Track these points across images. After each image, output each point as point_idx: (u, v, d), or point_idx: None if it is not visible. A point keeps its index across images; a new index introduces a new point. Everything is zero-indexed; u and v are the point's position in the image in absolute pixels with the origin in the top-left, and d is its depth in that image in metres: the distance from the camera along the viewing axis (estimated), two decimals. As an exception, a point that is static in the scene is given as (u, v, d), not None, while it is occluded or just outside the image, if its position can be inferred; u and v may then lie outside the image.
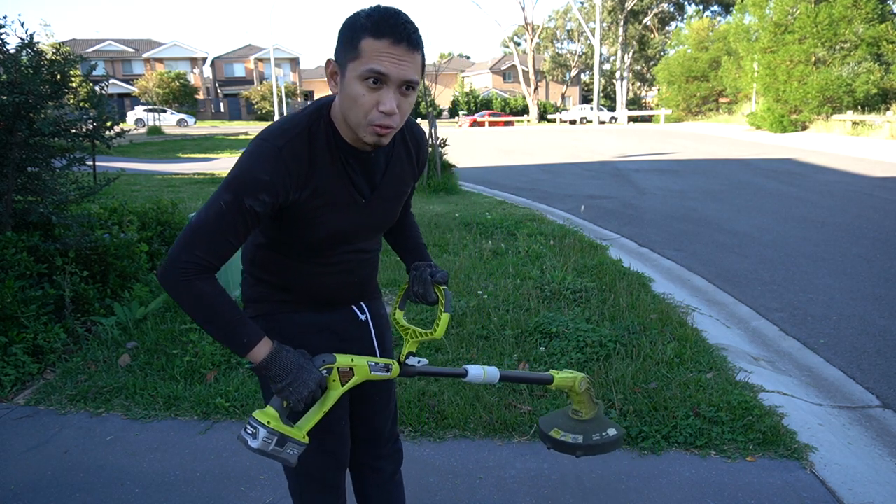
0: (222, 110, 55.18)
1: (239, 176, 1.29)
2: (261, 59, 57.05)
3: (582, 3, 52.59)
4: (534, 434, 2.69)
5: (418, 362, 1.53)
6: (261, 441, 1.28)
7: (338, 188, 1.36)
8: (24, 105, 3.74)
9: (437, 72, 13.56)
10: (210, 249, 1.26)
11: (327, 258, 1.47)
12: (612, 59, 55.15)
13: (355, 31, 1.25)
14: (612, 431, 1.87)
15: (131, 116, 41.27)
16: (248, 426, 1.29)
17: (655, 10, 50.38)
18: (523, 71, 53.98)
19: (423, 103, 12.42)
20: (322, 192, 1.34)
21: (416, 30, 1.30)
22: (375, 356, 1.54)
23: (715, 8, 49.87)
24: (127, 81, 51.63)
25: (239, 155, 1.37)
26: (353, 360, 1.42)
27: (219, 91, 57.36)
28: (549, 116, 50.14)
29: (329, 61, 1.31)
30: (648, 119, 45.73)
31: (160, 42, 56.47)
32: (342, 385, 1.39)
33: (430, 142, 10.02)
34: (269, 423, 1.28)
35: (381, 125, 1.27)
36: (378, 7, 1.27)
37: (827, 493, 2.30)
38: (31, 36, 4.16)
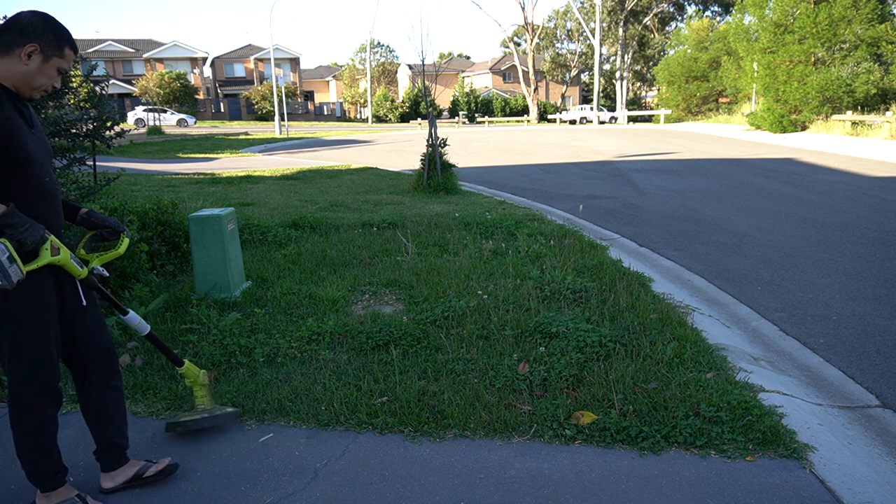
0: (222, 110, 55.14)
1: None
2: (261, 59, 57.05)
3: (582, 3, 52.58)
4: (534, 434, 2.69)
5: (99, 272, 2.31)
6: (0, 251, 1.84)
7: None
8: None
9: (437, 72, 13.52)
10: None
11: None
12: (612, 59, 55.16)
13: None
14: (229, 409, 2.78)
15: (131, 116, 41.28)
16: None
17: (655, 11, 50.37)
18: (523, 71, 53.98)
19: (423, 103, 12.42)
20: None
21: None
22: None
23: (715, 8, 49.89)
24: (127, 81, 51.64)
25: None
26: (60, 243, 2.07)
27: (219, 91, 57.35)
28: (549, 116, 50.14)
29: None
30: (648, 119, 45.73)
31: (160, 42, 56.49)
32: (51, 255, 2.02)
33: (430, 142, 10.02)
34: (5, 244, 1.86)
35: None
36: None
37: (826, 493, 2.30)
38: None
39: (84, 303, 2.23)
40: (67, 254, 2.11)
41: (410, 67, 49.82)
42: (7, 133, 1.91)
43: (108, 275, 2.42)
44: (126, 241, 2.42)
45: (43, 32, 1.98)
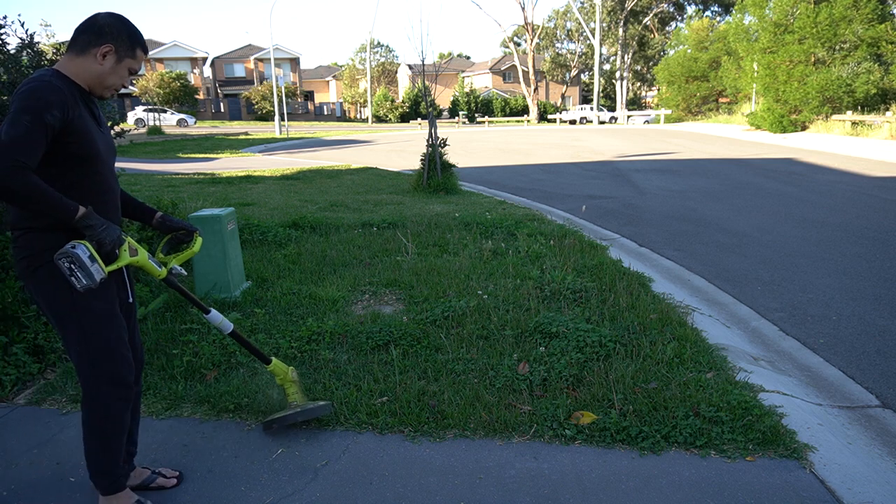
0: (222, 110, 55.13)
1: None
2: (261, 59, 57.03)
3: (582, 3, 52.58)
4: (534, 434, 2.70)
5: (178, 272, 2.32)
6: (81, 251, 1.87)
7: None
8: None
9: (437, 72, 13.52)
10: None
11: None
12: (612, 59, 55.16)
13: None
14: (321, 402, 2.77)
15: (131, 116, 41.28)
16: (70, 243, 1.87)
17: (655, 11, 50.37)
18: (523, 71, 53.98)
19: (423, 103, 12.43)
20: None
21: None
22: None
23: (715, 8, 49.89)
24: (127, 81, 51.55)
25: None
26: (137, 245, 2.10)
27: (219, 91, 57.34)
28: (549, 116, 50.14)
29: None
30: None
31: (160, 42, 56.44)
32: (129, 256, 2.06)
33: (430, 142, 10.02)
34: (85, 244, 1.89)
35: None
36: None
37: (826, 493, 2.31)
38: (32, 36, 4.17)
39: (131, 300, 2.25)
40: (145, 255, 2.14)
41: (410, 67, 49.82)
42: (79, 131, 1.93)
43: (186, 273, 2.43)
44: (200, 240, 2.44)
45: (118, 34, 2.01)
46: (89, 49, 1.98)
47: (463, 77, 60.54)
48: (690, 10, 51.42)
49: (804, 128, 23.97)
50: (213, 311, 2.41)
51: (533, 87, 52.93)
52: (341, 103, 60.83)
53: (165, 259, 2.32)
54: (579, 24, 52.75)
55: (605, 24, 48.52)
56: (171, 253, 2.42)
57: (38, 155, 1.81)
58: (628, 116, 44.51)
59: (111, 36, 1.99)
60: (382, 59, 65.66)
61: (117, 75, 2.04)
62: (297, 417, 2.66)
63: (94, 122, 2.04)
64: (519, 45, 61.71)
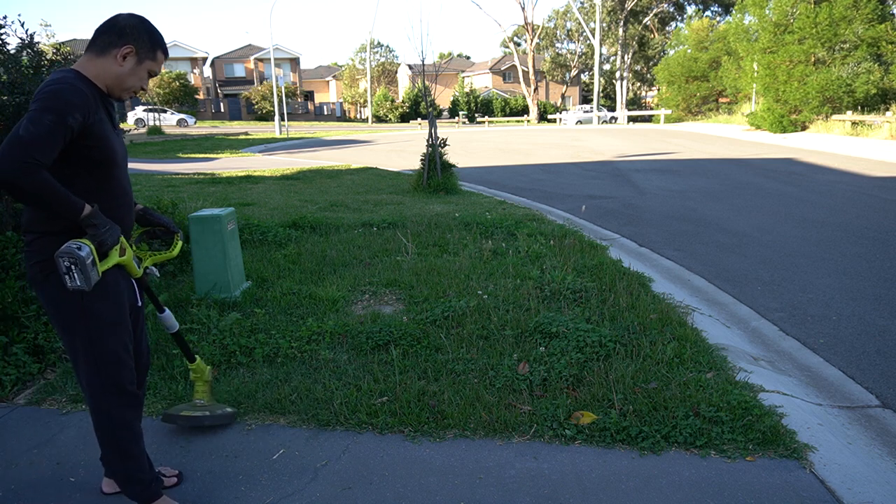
0: (222, 110, 55.12)
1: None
2: (261, 59, 57.03)
3: (582, 3, 52.56)
4: (534, 434, 2.70)
5: (151, 272, 2.36)
6: (85, 253, 1.84)
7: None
8: (24, 105, 3.75)
9: (437, 72, 13.52)
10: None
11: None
12: (612, 59, 55.15)
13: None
14: (228, 409, 2.81)
15: (131, 116, 41.27)
16: (74, 243, 1.84)
17: (655, 11, 50.35)
18: (523, 71, 53.98)
19: (423, 103, 12.42)
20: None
21: None
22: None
23: (715, 8, 49.87)
24: (127, 81, 51.52)
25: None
26: (127, 244, 2.09)
27: (219, 91, 57.33)
28: (550, 116, 50.14)
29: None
30: (648, 119, 45.71)
31: (160, 42, 56.39)
32: (119, 256, 2.02)
33: (430, 142, 10.02)
34: (90, 246, 1.86)
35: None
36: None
37: (826, 493, 2.31)
38: (32, 36, 4.17)
39: (139, 304, 2.24)
40: (131, 254, 2.14)
41: (410, 67, 49.78)
42: (97, 135, 1.91)
43: (159, 275, 2.43)
44: (180, 244, 2.43)
45: (139, 35, 1.99)
46: (110, 50, 1.96)
47: (463, 77, 60.52)
48: (690, 10, 51.41)
49: (804, 128, 23.96)
50: (167, 312, 2.47)
51: (533, 87, 52.93)
52: (341, 103, 60.82)
53: (138, 253, 2.31)
54: (579, 24, 52.73)
55: (605, 24, 48.51)
56: (148, 249, 2.42)
57: (54, 155, 1.80)
58: (628, 117, 44.49)
59: (132, 37, 1.98)
60: (382, 59, 65.64)
61: (137, 77, 2.02)
62: (204, 422, 2.72)
63: (111, 125, 2.02)
64: (519, 45, 61.71)
